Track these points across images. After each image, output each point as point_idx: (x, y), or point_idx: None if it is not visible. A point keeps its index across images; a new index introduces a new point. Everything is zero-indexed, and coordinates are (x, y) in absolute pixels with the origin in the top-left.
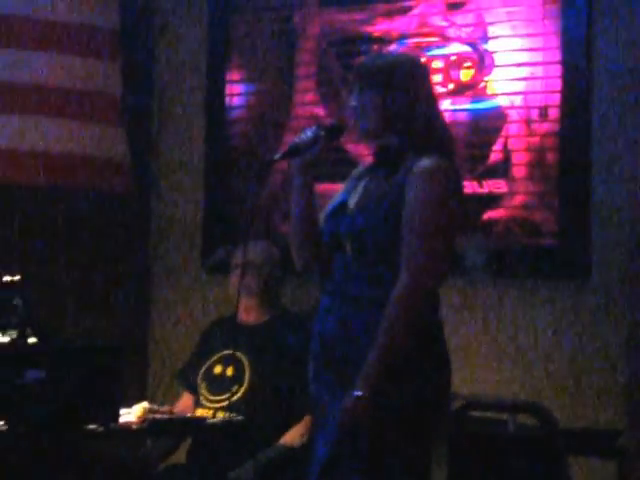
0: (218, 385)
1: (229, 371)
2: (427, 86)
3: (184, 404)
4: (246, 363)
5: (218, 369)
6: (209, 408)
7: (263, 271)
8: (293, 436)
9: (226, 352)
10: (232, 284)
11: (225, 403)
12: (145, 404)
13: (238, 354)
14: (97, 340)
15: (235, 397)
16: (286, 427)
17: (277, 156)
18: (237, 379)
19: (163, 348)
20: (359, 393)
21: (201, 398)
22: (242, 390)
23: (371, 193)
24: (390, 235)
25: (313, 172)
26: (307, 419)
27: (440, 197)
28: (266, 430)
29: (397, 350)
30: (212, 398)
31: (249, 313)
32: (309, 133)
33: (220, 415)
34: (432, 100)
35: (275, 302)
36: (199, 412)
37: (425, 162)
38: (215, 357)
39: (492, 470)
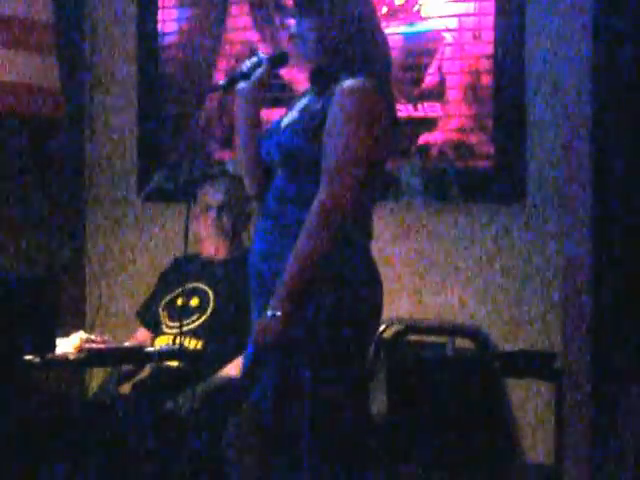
0: (180, 313)
1: (194, 301)
2: (366, 9)
3: (138, 338)
4: (211, 295)
5: (181, 301)
6: (169, 334)
7: (234, 211)
8: (232, 367)
9: (191, 285)
10: (206, 225)
11: (185, 328)
12: (82, 334)
13: (204, 286)
14: (31, 269)
15: (196, 323)
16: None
17: (222, 82)
18: (201, 308)
19: (100, 276)
20: (273, 312)
21: (162, 326)
22: (204, 317)
23: (304, 114)
24: (314, 153)
25: (259, 97)
26: None
27: (359, 115)
28: (220, 360)
29: (312, 268)
30: (172, 324)
31: (216, 250)
32: (253, 59)
33: (178, 341)
34: (371, 23)
35: (241, 239)
36: (159, 340)
37: (350, 81)
38: (178, 290)
39: (430, 393)
